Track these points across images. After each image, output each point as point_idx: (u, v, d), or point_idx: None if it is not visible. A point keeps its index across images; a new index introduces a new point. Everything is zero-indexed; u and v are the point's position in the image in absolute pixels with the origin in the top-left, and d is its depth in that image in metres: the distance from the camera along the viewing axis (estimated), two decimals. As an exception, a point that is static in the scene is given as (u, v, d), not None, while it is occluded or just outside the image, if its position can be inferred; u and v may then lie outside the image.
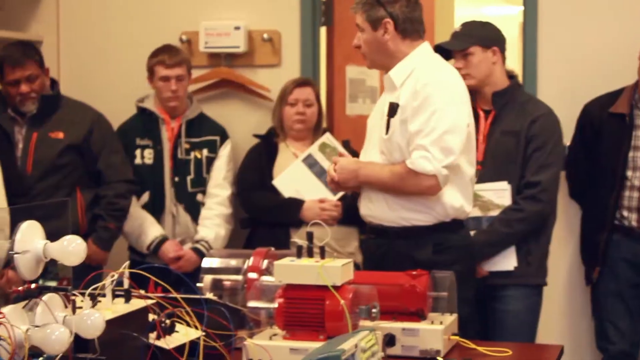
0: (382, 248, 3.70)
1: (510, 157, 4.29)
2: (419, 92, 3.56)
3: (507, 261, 4.28)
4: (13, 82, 4.63)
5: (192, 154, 5.03)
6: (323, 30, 5.68)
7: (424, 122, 3.53)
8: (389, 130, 3.62)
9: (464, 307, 3.33)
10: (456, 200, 3.64)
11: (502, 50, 4.41)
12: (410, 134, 3.56)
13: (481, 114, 4.38)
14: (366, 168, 3.70)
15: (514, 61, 5.33)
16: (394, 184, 3.61)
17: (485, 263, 4.26)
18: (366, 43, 3.70)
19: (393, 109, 3.62)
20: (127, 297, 2.50)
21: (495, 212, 4.25)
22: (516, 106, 4.36)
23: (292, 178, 4.85)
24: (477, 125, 4.31)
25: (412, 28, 3.68)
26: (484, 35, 4.36)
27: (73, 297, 2.17)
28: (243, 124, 5.34)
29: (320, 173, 4.79)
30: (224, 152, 5.09)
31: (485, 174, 4.27)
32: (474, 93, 4.38)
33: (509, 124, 4.32)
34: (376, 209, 3.70)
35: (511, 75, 4.49)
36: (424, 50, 3.73)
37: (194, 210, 5.02)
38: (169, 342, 2.48)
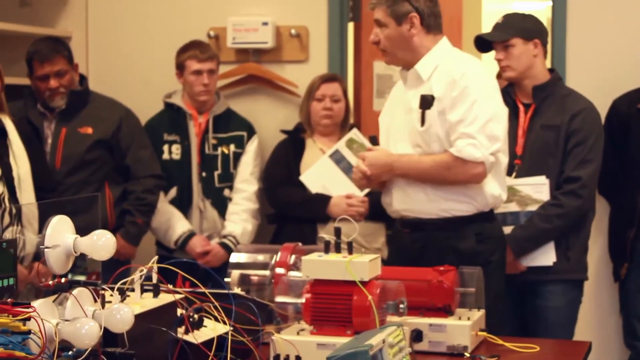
0: (420, 242, 3.70)
1: (549, 152, 4.25)
2: (457, 82, 3.58)
3: (546, 256, 4.26)
4: (42, 77, 4.65)
5: (220, 150, 5.04)
6: (351, 26, 5.68)
7: (465, 112, 3.56)
8: (425, 123, 3.62)
9: (499, 300, 3.36)
10: (495, 189, 3.69)
11: (544, 43, 4.36)
12: (450, 124, 3.59)
13: (521, 107, 4.35)
14: (402, 160, 3.68)
15: (542, 57, 5.30)
16: (438, 174, 3.61)
17: (523, 258, 4.24)
18: (388, 38, 3.69)
19: (427, 101, 3.62)
20: (156, 291, 2.51)
21: (533, 207, 4.22)
22: (556, 100, 4.32)
23: (319, 174, 4.85)
24: (516, 119, 4.31)
25: (435, 23, 3.71)
26: (525, 27, 4.32)
27: (102, 292, 2.18)
28: (270, 119, 5.35)
29: (347, 169, 4.78)
30: (251, 147, 5.10)
31: (523, 168, 4.26)
32: (513, 86, 4.37)
33: (549, 118, 4.28)
34: (413, 202, 3.69)
35: (551, 69, 4.46)
36: (445, 44, 3.75)
37: (221, 205, 5.03)
38: (197, 337, 2.49)
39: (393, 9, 3.65)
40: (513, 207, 4.24)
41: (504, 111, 3.68)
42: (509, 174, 4.27)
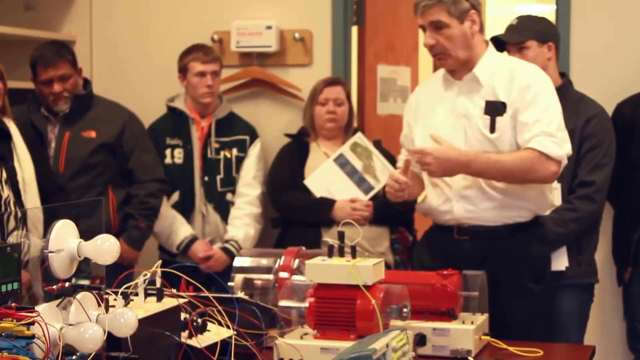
0: (482, 250, 3.61)
1: None
2: (532, 87, 3.57)
3: (559, 261, 4.25)
4: (46, 81, 4.66)
5: (222, 154, 5.04)
6: (354, 30, 5.68)
7: (542, 113, 3.55)
8: (497, 130, 3.57)
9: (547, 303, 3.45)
10: (550, 196, 3.73)
11: (557, 47, 4.37)
12: (524, 124, 3.54)
13: None
14: (480, 159, 3.53)
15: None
16: (519, 171, 3.54)
17: None
18: (451, 39, 3.59)
19: (497, 107, 3.57)
20: (160, 296, 2.51)
21: (546, 212, 4.23)
22: (569, 104, 4.31)
23: (324, 178, 4.85)
24: None
25: (483, 22, 3.71)
26: (540, 29, 4.32)
27: (106, 296, 2.18)
28: (274, 123, 5.35)
29: (351, 173, 4.79)
30: (254, 151, 5.10)
31: None
32: None
33: None
34: (479, 210, 3.64)
35: (562, 73, 4.46)
36: (493, 49, 3.75)
37: (223, 209, 5.03)
38: (201, 341, 2.49)
39: (455, 7, 3.57)
40: None
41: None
42: None
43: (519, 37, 4.28)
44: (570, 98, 4.33)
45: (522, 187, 3.61)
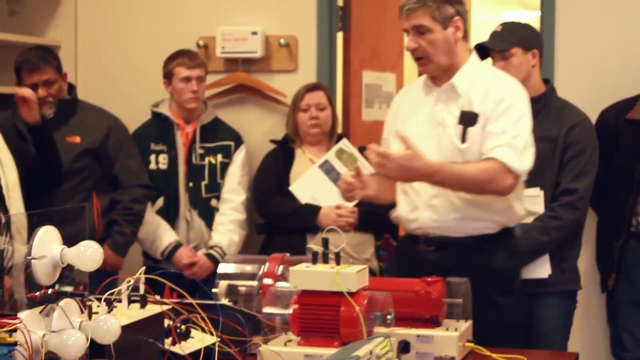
0: (448, 260, 3.56)
1: (545, 163, 4.24)
2: (505, 99, 3.54)
3: (542, 269, 4.26)
4: (31, 86, 4.64)
5: (207, 159, 5.04)
6: (340, 36, 5.68)
7: (510, 125, 3.52)
8: (467, 140, 3.54)
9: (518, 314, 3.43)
10: (521, 207, 3.69)
11: (541, 54, 4.38)
12: (489, 133, 3.52)
13: None
14: (444, 170, 3.47)
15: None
16: (481, 181, 3.49)
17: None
18: (433, 43, 3.57)
19: (470, 117, 3.54)
20: (143, 302, 2.51)
21: (528, 219, 4.22)
22: (552, 111, 4.33)
23: (309, 184, 4.85)
24: None
25: (467, 29, 3.67)
26: (525, 36, 4.32)
27: (89, 303, 2.18)
28: (259, 129, 5.36)
29: (336, 179, 4.77)
30: (239, 157, 5.10)
31: None
32: None
33: (545, 130, 4.28)
34: (444, 221, 3.60)
35: (546, 80, 4.47)
36: (476, 58, 3.72)
37: (208, 215, 5.03)
38: (184, 348, 2.48)
39: (440, 11, 3.54)
40: None
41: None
42: None
43: (504, 44, 4.29)
44: (553, 105, 4.35)
45: (490, 198, 3.57)
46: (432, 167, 3.45)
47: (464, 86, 3.59)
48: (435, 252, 3.64)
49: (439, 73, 3.65)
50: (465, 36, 3.67)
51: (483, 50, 4.34)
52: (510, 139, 3.50)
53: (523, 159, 3.51)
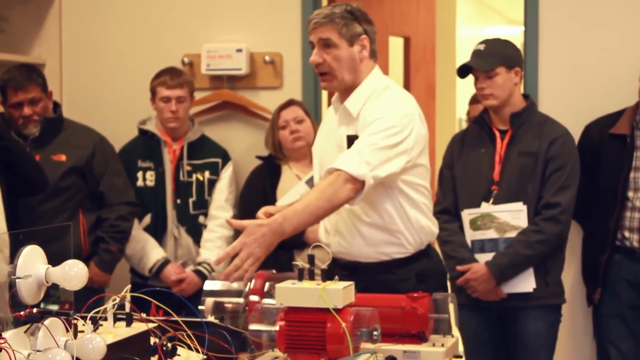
0: (360, 284, 3.33)
1: (527, 178, 4.27)
2: (375, 116, 3.44)
3: (526, 282, 4.27)
4: (16, 104, 4.65)
5: (194, 176, 5.04)
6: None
7: (367, 135, 3.39)
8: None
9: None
10: (426, 225, 3.58)
11: (522, 70, 4.41)
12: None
13: (497, 134, 4.38)
14: (289, 212, 3.26)
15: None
16: (328, 201, 3.29)
17: (504, 285, 4.26)
18: (337, 59, 3.52)
19: (353, 142, 3.46)
20: (129, 320, 2.50)
21: (511, 234, 4.25)
22: (533, 126, 4.35)
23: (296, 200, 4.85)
24: (493, 145, 4.33)
25: (375, 49, 3.61)
26: (507, 55, 4.33)
27: (74, 321, 2.17)
28: (245, 145, 5.36)
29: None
30: (226, 174, 5.11)
31: (501, 194, 4.28)
32: (488, 112, 4.39)
33: (527, 144, 4.31)
34: (351, 247, 3.56)
35: (526, 95, 4.49)
36: (377, 75, 3.61)
37: (195, 232, 5.03)
38: (171, 366, 2.48)
39: (347, 28, 3.51)
40: (491, 234, 4.26)
41: (408, 149, 3.45)
42: (486, 200, 4.30)
43: (488, 64, 4.30)
44: (533, 120, 4.37)
45: (391, 221, 3.51)
46: (277, 220, 3.23)
47: (356, 108, 3.54)
48: (349, 276, 3.43)
49: (341, 90, 3.61)
50: (373, 55, 3.60)
51: (466, 69, 4.37)
52: (358, 145, 3.38)
53: (372, 165, 3.33)
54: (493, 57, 4.30)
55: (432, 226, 3.62)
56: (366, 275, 3.52)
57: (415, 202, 3.55)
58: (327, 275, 3.52)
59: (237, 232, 5.01)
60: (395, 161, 3.41)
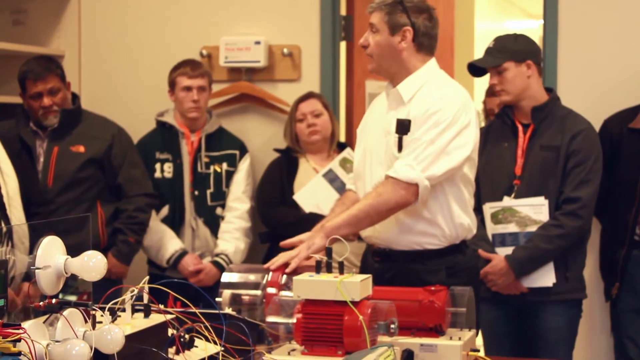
0: (390, 272, 3.55)
1: (548, 172, 4.26)
2: (430, 108, 3.48)
3: (546, 277, 4.26)
4: (35, 95, 4.66)
5: (212, 168, 5.05)
6: (343, 45, 5.69)
7: (423, 132, 3.45)
8: (403, 149, 3.49)
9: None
10: (464, 220, 3.58)
11: (537, 62, 4.35)
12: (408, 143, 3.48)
13: (520, 127, 4.36)
14: (332, 227, 3.41)
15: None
16: (383, 207, 3.43)
17: (524, 279, 4.26)
18: (378, 45, 3.56)
19: (404, 125, 3.50)
20: (147, 312, 2.51)
21: (532, 228, 4.24)
22: (555, 120, 4.33)
23: (313, 193, 4.86)
24: (515, 139, 4.32)
25: (428, 43, 3.60)
26: (516, 49, 4.32)
27: (93, 312, 2.18)
28: (262, 138, 5.37)
29: (340, 188, 4.79)
30: (243, 166, 5.12)
31: (523, 188, 4.27)
32: (512, 106, 4.38)
33: (549, 138, 4.30)
34: (384, 232, 3.57)
35: (549, 88, 4.48)
36: (432, 67, 3.64)
37: (213, 223, 5.04)
38: (188, 357, 2.48)
39: (391, 16, 3.54)
40: (512, 228, 4.25)
41: (464, 144, 3.50)
42: (508, 194, 4.29)
43: (495, 60, 4.30)
44: (557, 114, 4.35)
45: (431, 213, 3.52)
46: (320, 227, 3.48)
47: (409, 94, 3.56)
48: (381, 263, 3.62)
49: (383, 74, 3.68)
50: (422, 48, 3.59)
51: (479, 67, 4.36)
52: (417, 148, 3.44)
53: (426, 166, 3.41)
54: (500, 52, 4.30)
55: (471, 224, 3.63)
56: (397, 263, 3.56)
57: (460, 197, 3.57)
58: (362, 263, 3.57)
59: (254, 224, 5.04)
60: (453, 156, 3.46)
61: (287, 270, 3.26)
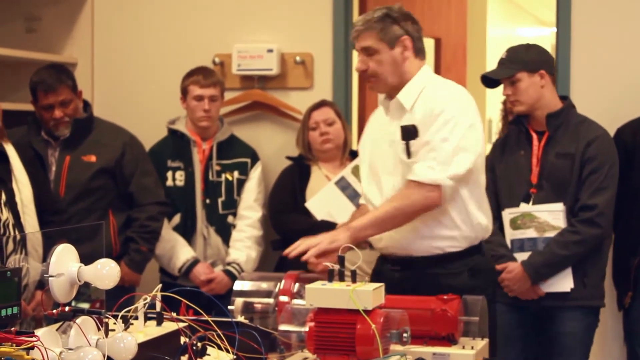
0: (411, 280, 3.53)
1: (565, 180, 4.26)
2: (435, 107, 3.48)
3: (564, 282, 4.27)
4: (47, 107, 4.65)
5: (223, 176, 5.05)
6: (355, 53, 5.68)
7: (435, 132, 3.45)
8: (412, 154, 3.50)
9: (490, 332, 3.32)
10: (482, 219, 3.59)
11: (550, 72, 4.36)
12: (420, 145, 3.48)
13: (534, 135, 4.36)
14: (357, 228, 3.46)
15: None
16: (403, 209, 3.45)
17: (542, 284, 4.26)
18: (381, 64, 3.55)
19: (410, 131, 3.50)
20: (159, 320, 2.51)
21: (551, 234, 4.24)
22: (570, 127, 4.33)
23: (325, 201, 4.86)
24: (530, 147, 4.32)
25: (422, 46, 3.62)
26: (528, 59, 4.32)
27: (106, 320, 2.18)
28: (274, 146, 5.37)
29: (352, 196, 4.79)
30: (255, 174, 5.11)
31: (540, 196, 4.27)
32: (526, 116, 4.38)
33: (564, 146, 4.30)
34: (403, 239, 3.56)
35: (564, 96, 4.47)
36: (427, 71, 3.64)
37: (224, 232, 5.04)
38: (201, 365, 2.48)
39: (384, 32, 3.53)
40: (531, 233, 4.26)
41: (476, 140, 3.52)
42: (526, 202, 4.29)
43: (507, 71, 4.31)
44: (571, 121, 4.35)
45: (449, 215, 3.52)
46: (344, 228, 3.51)
47: (410, 100, 3.55)
48: (401, 272, 3.60)
49: (385, 91, 3.66)
50: (419, 53, 3.61)
51: (492, 79, 4.36)
52: (432, 149, 3.44)
53: (439, 167, 3.42)
54: (513, 63, 4.31)
55: (488, 223, 3.63)
56: (418, 270, 3.55)
57: (475, 196, 3.57)
58: (375, 274, 3.56)
59: (266, 232, 5.04)
60: (470, 150, 3.47)
61: (304, 258, 3.30)
